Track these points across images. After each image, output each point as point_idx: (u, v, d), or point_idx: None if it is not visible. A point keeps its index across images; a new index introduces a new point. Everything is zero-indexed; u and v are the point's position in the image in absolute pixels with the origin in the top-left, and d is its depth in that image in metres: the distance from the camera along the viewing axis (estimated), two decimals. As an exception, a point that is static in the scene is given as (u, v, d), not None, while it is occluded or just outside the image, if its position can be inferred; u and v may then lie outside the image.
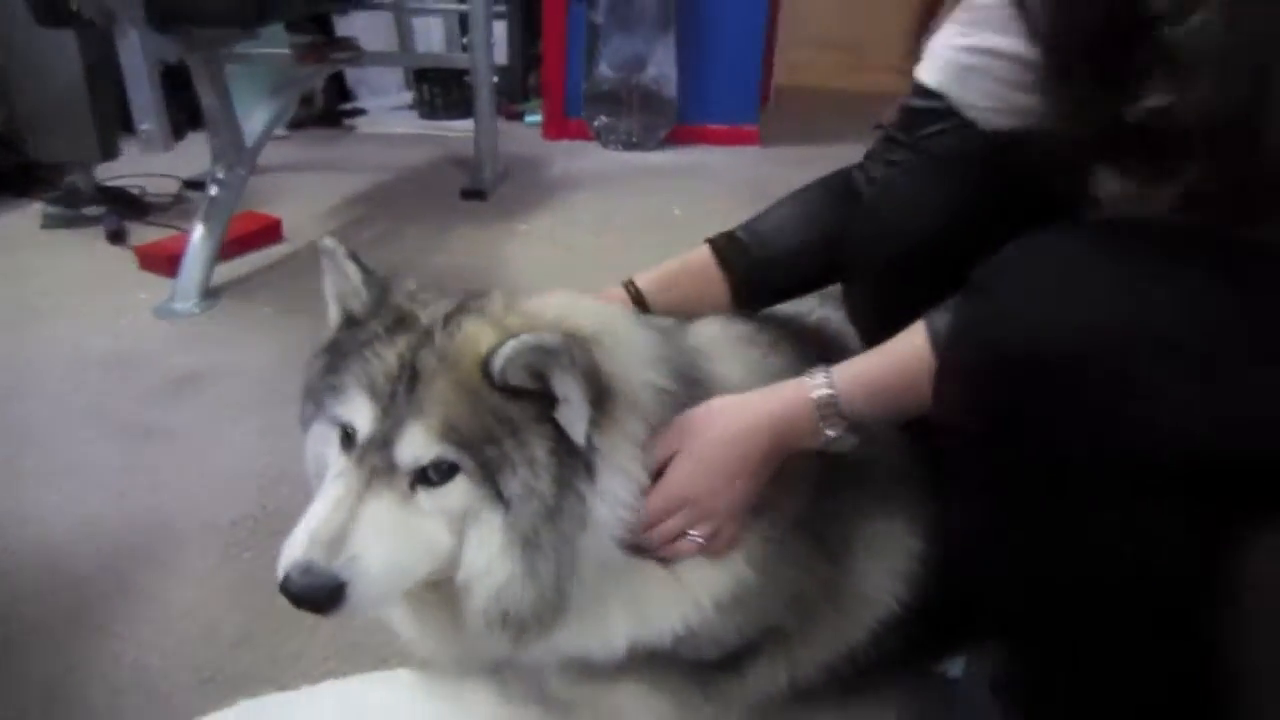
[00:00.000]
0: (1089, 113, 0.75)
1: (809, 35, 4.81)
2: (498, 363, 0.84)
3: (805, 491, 0.98)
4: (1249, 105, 0.63)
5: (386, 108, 4.42)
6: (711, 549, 0.94)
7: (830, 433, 0.91)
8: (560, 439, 0.86)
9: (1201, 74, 0.65)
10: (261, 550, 1.50)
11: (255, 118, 2.70)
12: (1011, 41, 0.94)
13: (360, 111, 4.33)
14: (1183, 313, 0.65)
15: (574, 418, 0.86)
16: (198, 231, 2.41)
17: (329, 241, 0.96)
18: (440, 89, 4.24)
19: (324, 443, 0.93)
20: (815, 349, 1.08)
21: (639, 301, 1.14)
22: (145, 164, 3.01)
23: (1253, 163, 0.65)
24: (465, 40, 3.40)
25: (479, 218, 3.12)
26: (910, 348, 0.87)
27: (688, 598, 0.94)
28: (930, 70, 1.06)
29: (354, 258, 0.95)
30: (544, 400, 0.86)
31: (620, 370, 0.91)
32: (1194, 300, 0.66)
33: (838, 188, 1.17)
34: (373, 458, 0.86)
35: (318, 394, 0.93)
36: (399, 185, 3.47)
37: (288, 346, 2.18)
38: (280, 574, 0.81)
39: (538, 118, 4.23)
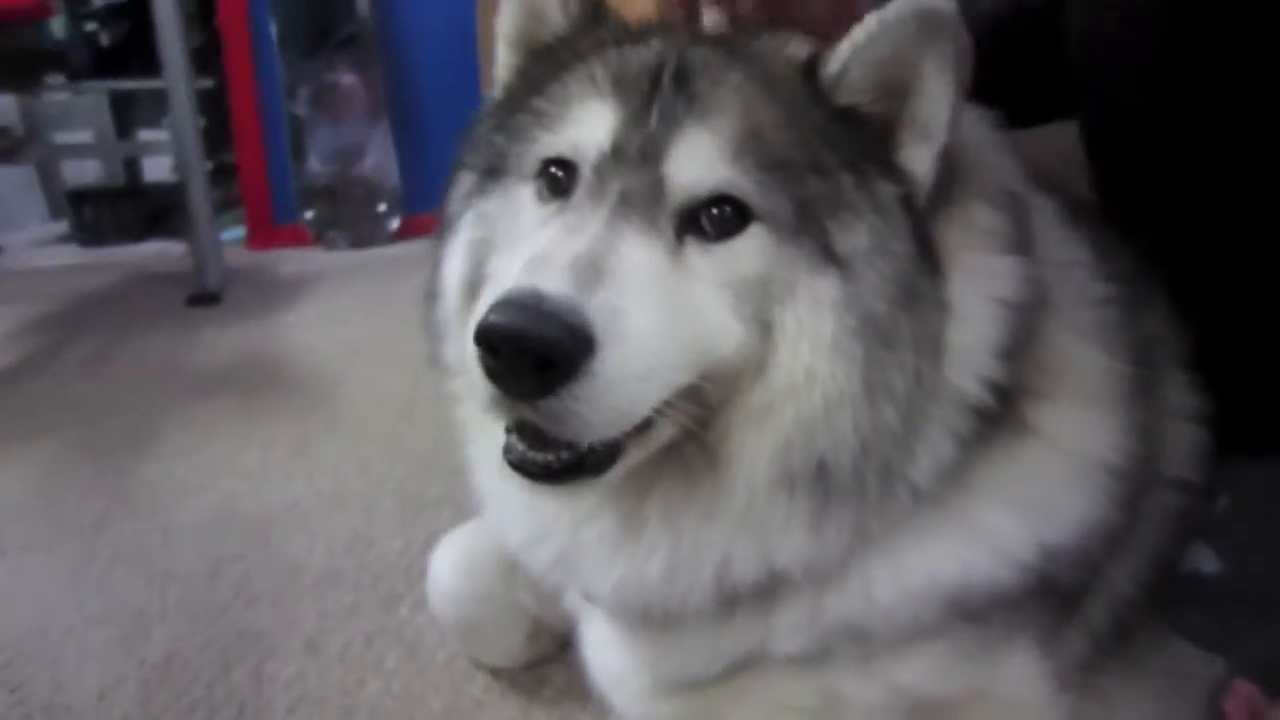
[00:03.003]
0: None
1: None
2: (844, 52, 0.59)
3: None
4: None
5: (30, 242, 3.60)
6: None
7: None
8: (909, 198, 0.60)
9: None
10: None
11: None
12: None
13: (-6, 249, 3.48)
14: None
15: (931, 151, 0.60)
16: None
17: None
18: (107, 210, 3.54)
19: (505, 216, 0.66)
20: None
21: None
22: None
23: None
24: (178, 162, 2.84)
25: (223, 321, 2.55)
26: None
27: (1090, 475, 0.66)
28: None
29: None
30: (883, 137, 0.61)
31: (974, 148, 0.65)
32: None
33: None
34: (624, 179, 0.59)
35: (492, 147, 0.69)
36: (91, 308, 2.77)
37: (39, 474, 1.57)
38: (490, 310, 0.52)
39: (238, 232, 3.66)
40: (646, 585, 0.64)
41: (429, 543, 1.04)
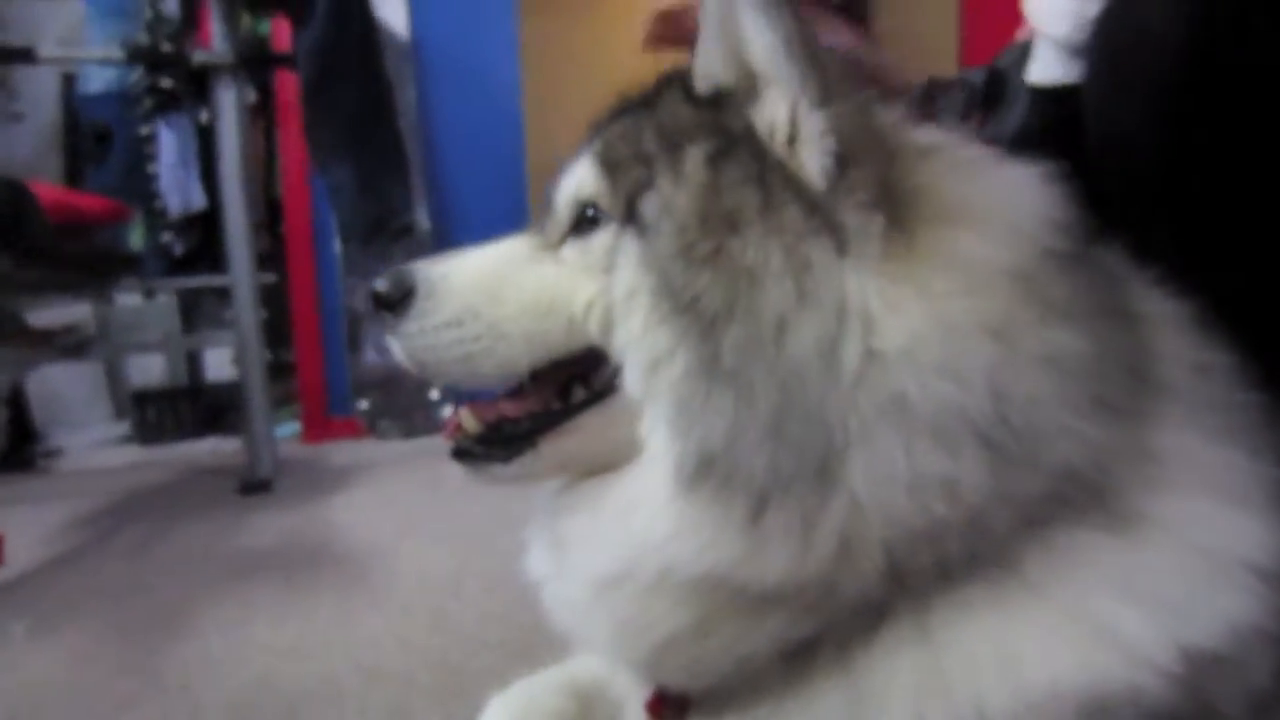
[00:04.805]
0: None
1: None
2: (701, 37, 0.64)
3: None
4: None
5: (92, 443, 3.66)
6: None
7: None
8: (742, 153, 0.61)
9: None
10: None
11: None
12: None
13: (55, 451, 3.53)
14: None
15: (791, 102, 0.59)
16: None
17: None
18: (169, 409, 3.61)
19: None
20: None
21: None
22: None
23: None
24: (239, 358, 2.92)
25: (272, 507, 2.51)
26: None
27: (1232, 573, 0.54)
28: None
29: None
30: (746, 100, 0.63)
31: (989, 193, 0.61)
32: None
33: None
34: (544, 209, 0.73)
35: None
36: (145, 499, 2.75)
37: (68, 656, 1.48)
38: None
39: (292, 428, 3.70)
40: (609, 599, 0.61)
41: (469, 717, 0.94)
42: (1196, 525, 0.55)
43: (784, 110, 0.59)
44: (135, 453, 3.55)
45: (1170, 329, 0.64)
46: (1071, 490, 0.54)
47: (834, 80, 0.58)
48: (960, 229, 0.58)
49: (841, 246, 0.56)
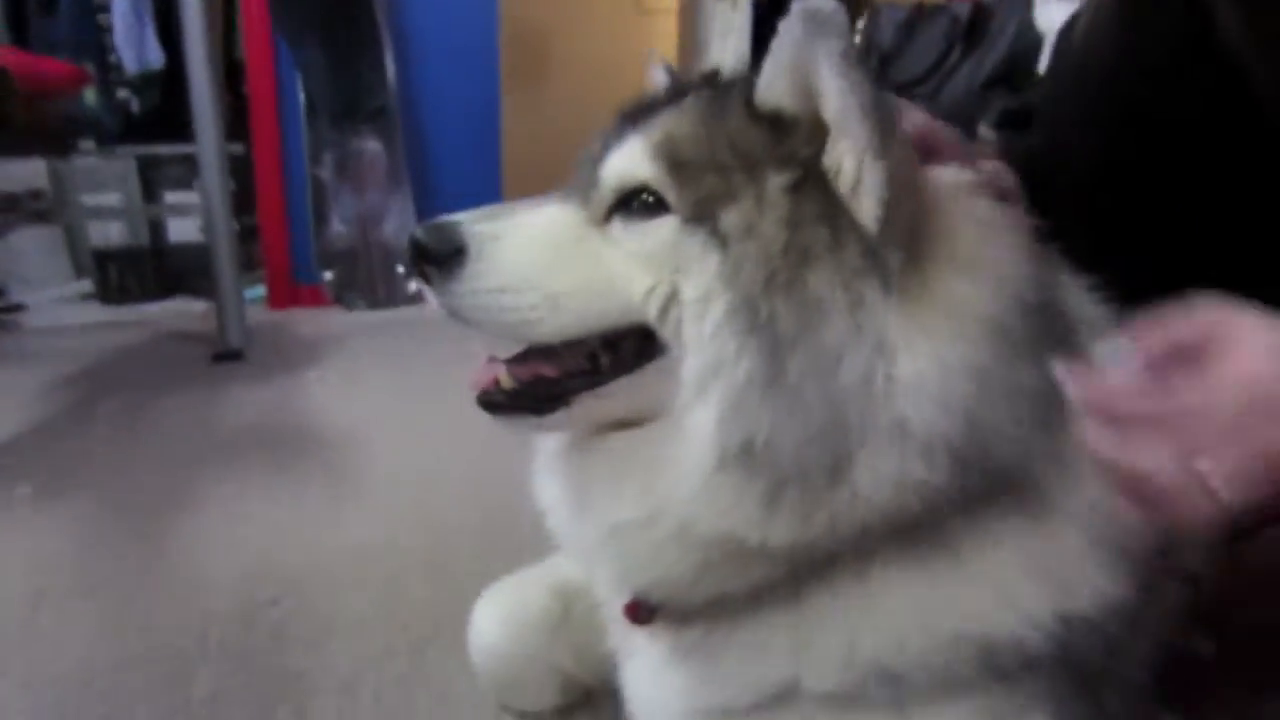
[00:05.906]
0: None
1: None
2: (766, 63, 0.67)
3: None
4: None
5: (52, 300, 3.67)
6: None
7: None
8: (814, 188, 0.65)
9: None
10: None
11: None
12: None
13: (19, 306, 3.54)
14: None
15: (858, 157, 0.63)
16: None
17: None
18: (131, 270, 3.62)
19: None
20: None
21: None
22: None
23: None
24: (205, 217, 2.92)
25: (247, 378, 2.60)
26: None
27: (1112, 558, 0.67)
28: None
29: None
30: (817, 138, 0.66)
31: (976, 239, 0.69)
32: None
33: None
34: (580, 175, 0.74)
35: None
36: (117, 365, 2.82)
37: (76, 527, 1.59)
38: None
39: (258, 291, 3.74)
40: (625, 540, 0.69)
41: (456, 591, 1.08)
42: (1091, 515, 0.67)
43: (852, 161, 0.63)
44: (100, 312, 3.57)
45: (1095, 336, 0.71)
46: (1007, 486, 0.66)
47: (891, 135, 0.63)
48: (962, 277, 0.66)
49: (886, 286, 0.63)
